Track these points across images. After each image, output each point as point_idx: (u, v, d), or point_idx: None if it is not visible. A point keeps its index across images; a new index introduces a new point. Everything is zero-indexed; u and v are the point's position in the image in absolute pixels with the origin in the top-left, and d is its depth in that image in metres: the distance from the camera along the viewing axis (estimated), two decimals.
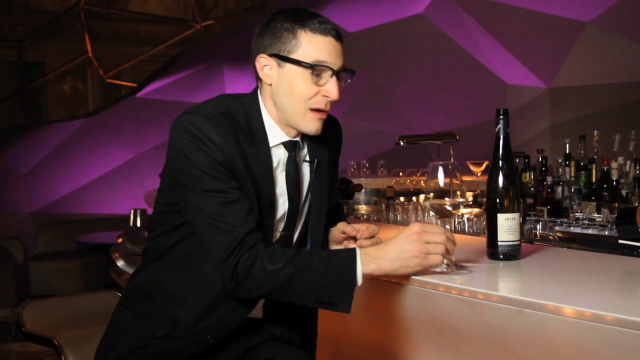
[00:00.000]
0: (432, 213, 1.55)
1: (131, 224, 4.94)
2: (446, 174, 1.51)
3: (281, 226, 1.61)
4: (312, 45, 1.48)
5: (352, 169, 4.52)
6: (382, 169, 4.56)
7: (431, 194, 1.53)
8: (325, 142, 1.66)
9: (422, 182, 4.22)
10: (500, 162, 1.61)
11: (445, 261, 1.42)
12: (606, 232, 2.16)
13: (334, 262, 1.41)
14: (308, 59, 1.48)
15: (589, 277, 1.46)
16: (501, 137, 1.62)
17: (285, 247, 1.51)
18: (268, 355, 1.61)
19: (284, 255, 1.42)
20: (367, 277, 1.42)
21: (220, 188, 1.44)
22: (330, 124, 1.70)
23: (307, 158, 1.63)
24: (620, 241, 1.87)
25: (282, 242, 1.60)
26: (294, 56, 1.49)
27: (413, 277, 1.49)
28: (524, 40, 5.43)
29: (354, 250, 1.43)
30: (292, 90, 1.51)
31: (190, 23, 7.96)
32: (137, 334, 1.57)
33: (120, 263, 3.75)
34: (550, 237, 2.21)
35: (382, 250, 1.41)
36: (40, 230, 6.25)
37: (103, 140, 6.51)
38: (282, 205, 1.59)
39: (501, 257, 1.58)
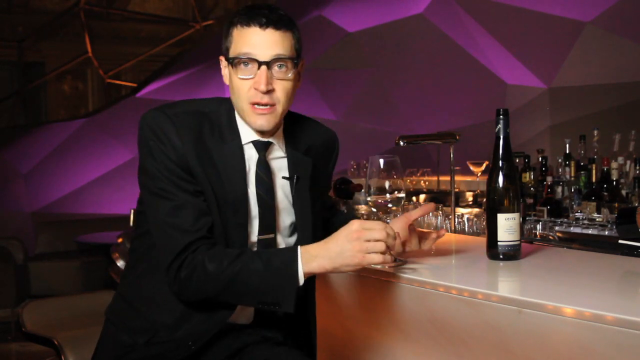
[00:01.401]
0: (373, 209, 1.53)
1: (131, 224, 4.93)
2: (389, 169, 1.50)
3: (256, 229, 1.57)
4: (239, 40, 1.48)
5: (352, 169, 4.52)
6: None
7: (371, 188, 1.51)
8: (309, 155, 1.64)
9: (422, 182, 4.22)
10: (500, 162, 1.61)
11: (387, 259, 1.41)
12: (606, 232, 2.17)
13: (275, 264, 1.41)
14: (233, 54, 1.48)
15: (589, 277, 1.46)
16: (501, 137, 1.62)
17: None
18: (262, 356, 1.59)
19: (226, 257, 1.42)
20: (310, 275, 1.42)
21: (170, 189, 1.45)
22: (323, 136, 1.70)
23: (286, 174, 1.60)
24: (620, 241, 1.87)
25: (263, 247, 1.57)
26: (229, 54, 1.50)
27: (413, 277, 1.49)
28: (524, 40, 5.42)
29: (295, 249, 1.42)
30: (232, 88, 1.52)
31: (190, 23, 7.96)
32: (119, 344, 1.58)
33: (120, 263, 3.75)
34: (550, 237, 2.21)
35: (322, 248, 1.41)
36: (40, 230, 6.24)
37: (103, 140, 6.50)
38: (253, 207, 1.56)
39: (501, 257, 1.58)
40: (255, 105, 1.49)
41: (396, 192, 1.49)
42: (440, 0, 5.44)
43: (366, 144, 5.98)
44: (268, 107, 1.49)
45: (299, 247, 1.43)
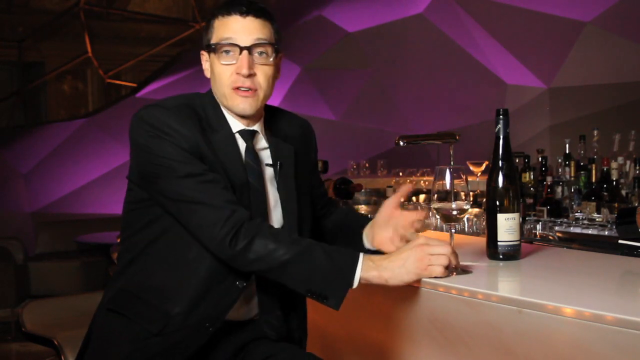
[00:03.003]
0: (437, 216, 1.55)
1: None
2: (453, 178, 1.52)
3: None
4: (220, 28, 1.55)
5: (352, 169, 4.52)
6: (382, 169, 4.57)
7: (435, 196, 1.53)
8: (292, 143, 1.67)
9: (422, 182, 4.23)
10: (500, 162, 1.61)
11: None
12: (606, 232, 2.16)
13: (335, 258, 1.43)
14: (215, 41, 1.54)
15: (589, 277, 1.46)
16: (501, 137, 1.62)
17: None
18: (265, 353, 1.60)
19: (288, 237, 1.44)
20: (366, 282, 1.43)
21: (193, 171, 1.46)
22: (299, 126, 1.73)
23: (270, 161, 1.62)
24: (620, 241, 1.87)
25: None
26: (210, 43, 1.55)
27: None
28: (524, 40, 5.43)
29: (357, 253, 1.44)
30: (214, 76, 1.57)
31: (190, 23, 7.95)
32: (129, 337, 1.53)
33: None
34: (550, 237, 2.21)
35: (386, 259, 1.44)
36: (40, 230, 6.24)
37: (103, 140, 6.50)
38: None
39: (501, 257, 1.58)
40: (239, 89, 1.54)
41: (461, 201, 1.50)
42: (440, 0, 5.44)
43: (366, 144, 5.99)
44: (250, 91, 1.54)
45: (361, 253, 1.45)
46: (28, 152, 6.44)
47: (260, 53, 1.54)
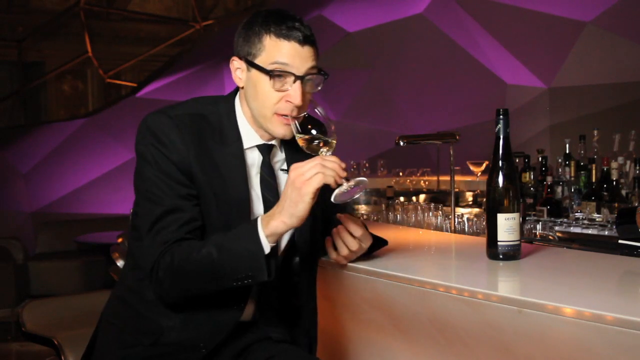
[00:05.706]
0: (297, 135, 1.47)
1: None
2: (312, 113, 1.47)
3: None
4: (274, 50, 1.47)
5: (352, 169, 4.52)
6: (382, 169, 4.57)
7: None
8: (303, 152, 1.64)
9: (422, 182, 4.23)
10: (500, 162, 1.61)
11: (344, 184, 1.41)
12: (606, 232, 2.16)
13: (236, 237, 1.41)
14: (267, 63, 1.47)
15: (589, 277, 1.46)
16: (501, 137, 1.62)
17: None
18: (267, 354, 1.60)
19: (192, 247, 1.42)
20: (277, 236, 1.41)
21: (161, 194, 1.46)
22: None
23: (285, 166, 1.62)
24: (620, 241, 1.87)
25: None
26: (257, 61, 1.49)
27: (413, 277, 1.49)
28: (524, 40, 5.43)
29: (256, 218, 1.43)
30: (257, 95, 1.50)
31: (190, 23, 7.95)
32: (120, 344, 1.57)
33: (120, 263, 3.75)
34: (550, 237, 2.21)
35: (276, 205, 1.41)
36: (40, 230, 6.24)
37: (103, 140, 6.50)
38: (258, 209, 1.58)
39: (501, 257, 1.58)
40: (282, 116, 1.50)
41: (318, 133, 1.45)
42: (440, 0, 5.44)
43: (366, 144, 5.98)
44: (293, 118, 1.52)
45: (258, 217, 1.43)
46: (28, 152, 6.44)
47: (311, 82, 1.51)
